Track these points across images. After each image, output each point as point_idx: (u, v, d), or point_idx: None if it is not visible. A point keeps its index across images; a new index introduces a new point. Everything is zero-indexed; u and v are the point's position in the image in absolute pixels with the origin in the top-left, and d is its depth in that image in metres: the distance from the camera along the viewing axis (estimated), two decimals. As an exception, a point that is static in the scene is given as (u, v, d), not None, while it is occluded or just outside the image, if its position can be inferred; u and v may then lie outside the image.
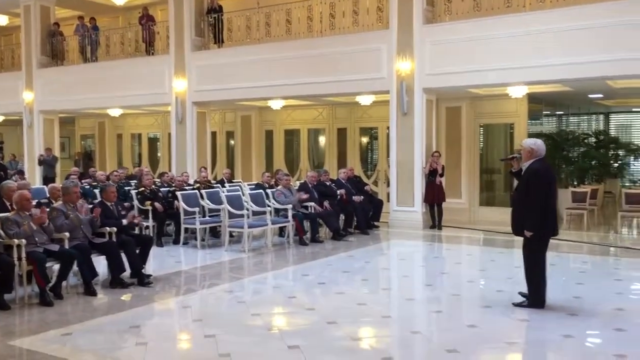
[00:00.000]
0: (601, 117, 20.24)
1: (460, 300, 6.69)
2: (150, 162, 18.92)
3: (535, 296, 6.11)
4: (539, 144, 6.13)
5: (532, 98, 13.48)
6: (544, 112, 15.69)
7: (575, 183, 13.71)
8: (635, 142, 17.19)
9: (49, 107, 17.57)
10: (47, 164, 17.01)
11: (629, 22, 10.06)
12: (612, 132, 19.39)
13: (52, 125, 18.06)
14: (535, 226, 5.93)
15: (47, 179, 16.38)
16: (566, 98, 15.27)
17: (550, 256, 9.26)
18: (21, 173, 15.24)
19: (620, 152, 15.92)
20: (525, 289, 6.21)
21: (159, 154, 19.37)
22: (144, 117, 19.23)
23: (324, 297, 7.00)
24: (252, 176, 16.51)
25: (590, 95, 14.93)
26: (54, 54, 17.55)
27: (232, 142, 17.84)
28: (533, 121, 14.44)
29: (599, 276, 8.04)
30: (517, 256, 9.72)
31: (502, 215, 13.19)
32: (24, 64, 17.71)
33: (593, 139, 16.55)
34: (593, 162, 15.23)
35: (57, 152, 17.94)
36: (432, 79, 11.90)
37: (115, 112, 17.78)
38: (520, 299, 6.21)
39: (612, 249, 10.15)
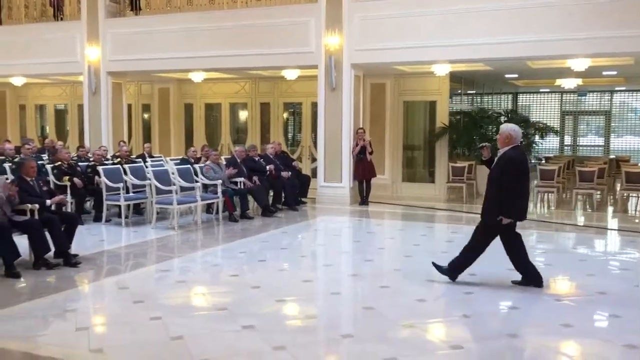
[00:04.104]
0: (510, 96, 21.21)
1: (404, 275, 6.73)
2: (58, 136, 17.74)
3: (458, 267, 6.18)
4: (516, 130, 5.92)
5: (453, 77, 13.81)
6: (465, 92, 16.13)
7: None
8: (543, 121, 18.12)
9: (-60, 74, 16.01)
10: None
11: (547, 4, 10.47)
12: (519, 111, 20.38)
13: (-56, 94, 16.53)
14: (509, 213, 5.84)
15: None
16: (483, 77, 15.80)
17: (451, 230, 9.65)
18: None
19: (531, 131, 16.72)
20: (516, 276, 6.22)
21: (67, 127, 18.22)
22: (50, 87, 17.95)
23: (267, 275, 6.83)
24: (171, 151, 15.92)
25: (506, 75, 15.51)
26: (-53, 15, 15.96)
27: (147, 115, 17.07)
28: (451, 99, 14.82)
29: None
30: (445, 230, 10.08)
31: (423, 191, 13.58)
32: None
33: (504, 118, 17.30)
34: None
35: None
36: (360, 54, 11.88)
37: (18, 81, 16.46)
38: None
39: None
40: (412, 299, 5.76)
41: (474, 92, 19.13)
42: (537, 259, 7.66)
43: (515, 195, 5.83)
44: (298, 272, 7.11)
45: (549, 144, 20.45)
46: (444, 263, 6.30)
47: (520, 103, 21.66)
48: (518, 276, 6.20)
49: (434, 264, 6.31)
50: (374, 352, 4.44)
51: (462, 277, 6.22)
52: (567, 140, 21.14)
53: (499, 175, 5.87)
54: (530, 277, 6.15)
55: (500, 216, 5.89)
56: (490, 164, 6.14)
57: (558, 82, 16.53)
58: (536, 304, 5.72)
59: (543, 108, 21.20)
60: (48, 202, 7.15)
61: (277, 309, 5.54)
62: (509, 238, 6.13)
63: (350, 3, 11.83)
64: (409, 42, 11.36)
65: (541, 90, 20.43)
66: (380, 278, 6.61)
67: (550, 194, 12.46)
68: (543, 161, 17.99)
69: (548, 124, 18.08)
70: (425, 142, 14.27)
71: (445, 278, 6.21)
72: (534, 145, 17.96)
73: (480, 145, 6.45)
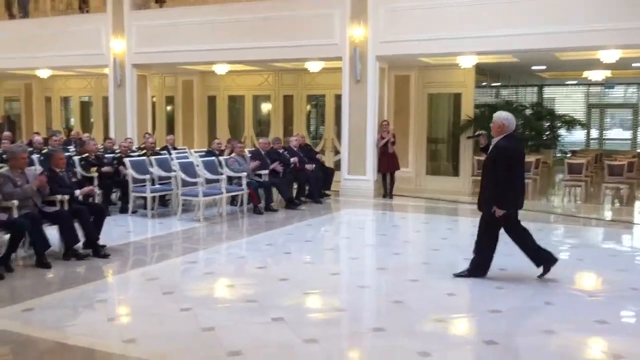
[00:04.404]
0: (535, 89, 20.89)
1: (432, 269, 6.67)
2: (82, 128, 17.92)
3: (479, 266, 6.07)
4: (510, 118, 5.86)
5: (478, 69, 13.63)
6: (491, 84, 15.95)
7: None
8: (570, 114, 17.82)
9: (-31, 66, 16.25)
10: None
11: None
12: (544, 104, 20.07)
13: (-27, 86, 16.77)
14: (502, 204, 5.80)
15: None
16: (509, 69, 15.58)
17: (475, 224, 9.40)
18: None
19: (558, 124, 16.48)
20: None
21: (91, 119, 18.39)
22: (75, 80, 18.13)
23: (294, 267, 6.81)
24: (194, 143, 15.97)
25: (533, 67, 15.28)
26: (-25, 9, 16.18)
27: (169, 107, 17.15)
28: (476, 91, 14.64)
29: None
30: (469, 224, 9.96)
31: (447, 184, 13.47)
32: (-59, 18, 16.25)
33: (529, 110, 17.06)
34: (531, 133, 15.73)
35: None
36: (385, 46, 11.78)
37: (44, 74, 16.64)
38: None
39: (553, 216, 10.50)
40: (442, 293, 5.70)
41: (499, 84, 18.89)
42: (567, 254, 7.61)
43: (508, 186, 5.77)
44: (324, 264, 7.10)
45: (574, 138, 20.15)
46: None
47: (545, 95, 21.33)
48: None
49: (456, 275, 6.17)
50: (406, 346, 4.40)
51: (491, 271, 6.14)
52: (593, 133, 20.78)
53: (493, 165, 5.83)
54: (546, 261, 6.06)
55: (494, 207, 5.82)
56: (487, 151, 6.09)
57: (585, 74, 16.25)
58: (568, 300, 5.62)
59: (568, 101, 20.87)
60: (77, 192, 7.21)
61: (305, 301, 5.54)
62: (514, 230, 6.05)
63: (376, -6, 11.73)
64: (435, 34, 11.23)
65: (567, 82, 20.09)
66: (407, 271, 6.55)
67: (577, 188, 12.27)
68: (569, 155, 17.74)
69: (574, 117, 17.83)
70: (449, 134, 14.15)
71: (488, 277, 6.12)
72: (559, 138, 17.73)
73: (477, 133, 6.43)
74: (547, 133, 16.75)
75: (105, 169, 9.74)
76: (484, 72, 14.78)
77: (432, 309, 5.24)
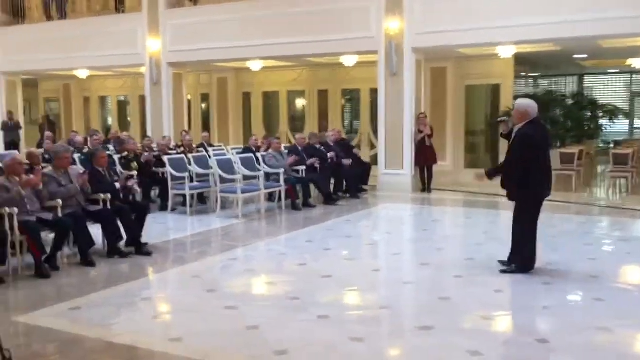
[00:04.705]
0: (575, 78, 20.34)
1: (476, 265, 6.52)
2: (120, 127, 18.17)
3: (524, 260, 5.91)
4: (532, 105, 5.78)
5: (517, 59, 13.33)
6: (529, 74, 15.59)
7: (559, 144, 13.71)
8: (613, 104, 17.29)
9: (11, 69, 16.58)
10: (9, 129, 16.13)
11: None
12: (585, 93, 19.52)
13: (14, 88, 17.12)
14: (521, 192, 5.72)
15: (11, 144, 15.60)
16: (548, 58, 15.20)
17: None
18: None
19: (600, 113, 16.02)
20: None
21: (128, 118, 18.63)
22: (112, 79, 18.40)
23: (336, 264, 6.72)
24: (230, 140, 16.04)
25: (574, 56, 14.88)
26: (15, 12, 16.49)
27: (204, 105, 17.26)
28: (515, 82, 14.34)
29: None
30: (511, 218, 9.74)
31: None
32: (-18, 22, 16.65)
33: (570, 101, 16.62)
34: (573, 124, 15.32)
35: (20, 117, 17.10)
36: (422, 38, 11.58)
37: (82, 74, 16.93)
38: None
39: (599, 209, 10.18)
40: (489, 290, 5.57)
41: (538, 74, 18.45)
42: (614, 247, 7.38)
43: (530, 173, 5.64)
44: (366, 260, 7.01)
45: (617, 128, 19.53)
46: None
47: (585, 85, 20.75)
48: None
49: (502, 271, 6.02)
50: (455, 344, 4.29)
51: (538, 267, 5.96)
52: (637, 123, 20.13)
53: (514, 152, 5.74)
54: (525, 261, 5.91)
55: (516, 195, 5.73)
56: (510, 138, 5.96)
57: (629, 61, 15.75)
58: (620, 296, 5.44)
59: (610, 90, 20.27)
60: (117, 185, 7.27)
61: (348, 298, 5.47)
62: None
63: (411, -15, 11.54)
64: (473, 24, 10.98)
65: (608, 70, 19.53)
66: (452, 267, 6.39)
67: (623, 179, 11.92)
68: (612, 145, 17.23)
69: (617, 106, 17.30)
70: (487, 127, 13.88)
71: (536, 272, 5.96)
72: (602, 128, 17.23)
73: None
74: (589, 123, 16.29)
75: (144, 157, 9.87)
76: (523, 62, 14.45)
77: (479, 306, 5.11)
